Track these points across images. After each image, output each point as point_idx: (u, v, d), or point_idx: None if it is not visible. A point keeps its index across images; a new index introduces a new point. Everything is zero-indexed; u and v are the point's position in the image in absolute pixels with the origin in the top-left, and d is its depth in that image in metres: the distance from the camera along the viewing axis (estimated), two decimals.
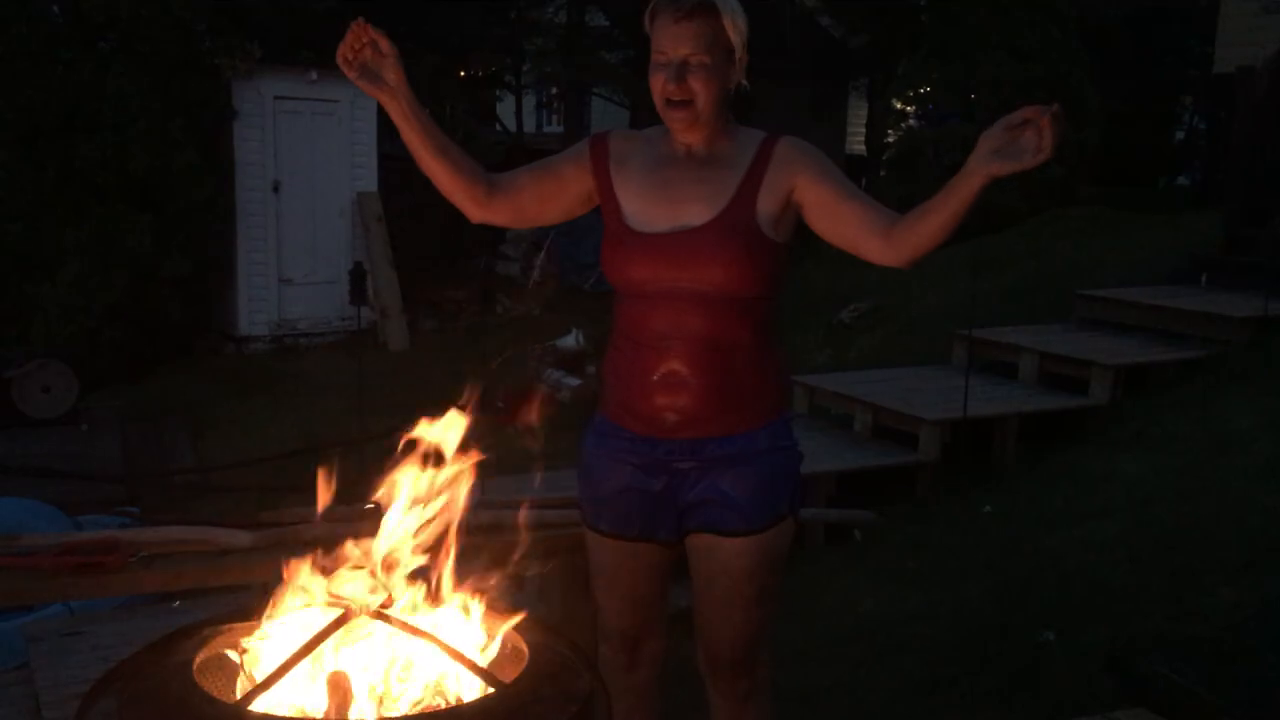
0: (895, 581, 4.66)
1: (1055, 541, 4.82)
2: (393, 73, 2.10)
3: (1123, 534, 4.75)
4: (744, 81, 2.21)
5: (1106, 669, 3.62)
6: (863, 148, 18.12)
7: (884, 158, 14.32)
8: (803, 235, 2.27)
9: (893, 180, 12.48)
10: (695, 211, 2.17)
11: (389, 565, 1.70)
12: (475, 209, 2.27)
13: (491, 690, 1.54)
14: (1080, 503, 5.19)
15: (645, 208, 2.20)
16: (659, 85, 2.15)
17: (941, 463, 5.86)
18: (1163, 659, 3.52)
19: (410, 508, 1.75)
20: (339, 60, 2.08)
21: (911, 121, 12.92)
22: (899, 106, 13.31)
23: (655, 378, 2.19)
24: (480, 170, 2.26)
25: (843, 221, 2.17)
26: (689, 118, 2.15)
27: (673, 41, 2.11)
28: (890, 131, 14.00)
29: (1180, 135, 17.44)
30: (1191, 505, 4.88)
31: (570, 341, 9.79)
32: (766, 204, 2.18)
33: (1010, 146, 1.90)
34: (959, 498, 5.59)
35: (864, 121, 18.35)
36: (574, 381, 8.90)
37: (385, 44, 2.08)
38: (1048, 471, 5.70)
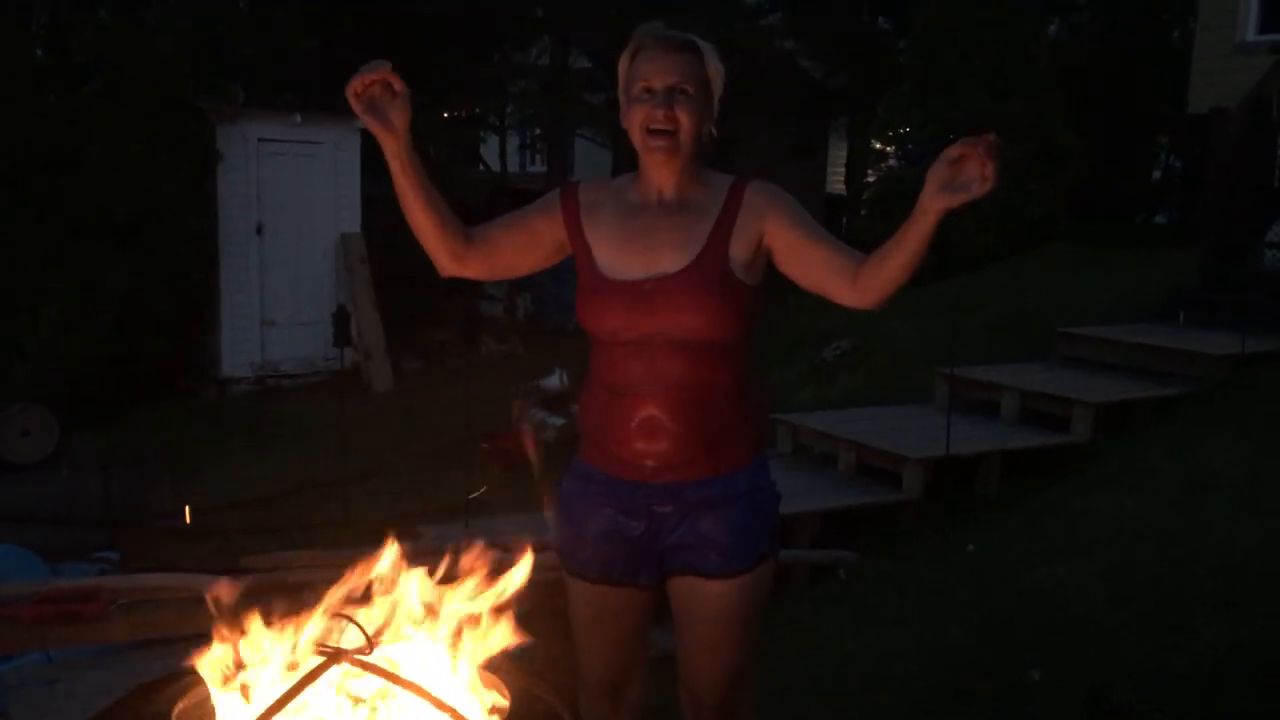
0: (879, 620, 4.66)
1: (1038, 579, 4.82)
2: (399, 114, 2.08)
3: (1105, 571, 4.76)
4: (713, 131, 2.24)
5: (1089, 707, 3.62)
6: (843, 187, 18.24)
7: (864, 197, 14.42)
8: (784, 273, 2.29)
9: (873, 220, 12.57)
10: (668, 259, 2.19)
11: (370, 610, 1.69)
12: (450, 261, 2.26)
13: None
14: (1063, 540, 5.21)
15: (618, 256, 2.22)
16: (641, 116, 2.16)
17: (924, 501, 5.86)
18: (1144, 696, 3.53)
19: (395, 558, 1.75)
20: (348, 93, 2.05)
21: (891, 162, 13.03)
22: (878, 147, 13.42)
23: (633, 424, 2.20)
24: (460, 224, 2.26)
25: (811, 266, 2.19)
26: (671, 147, 2.16)
27: (660, 72, 2.14)
28: (870, 171, 14.11)
29: (1157, 174, 17.63)
30: (1172, 542, 4.90)
31: (554, 381, 9.78)
32: (738, 249, 2.20)
33: (956, 180, 1.93)
34: (942, 536, 5.60)
35: (844, 161, 18.49)
36: (558, 421, 8.89)
37: (399, 84, 2.07)
38: (1030, 509, 5.72)
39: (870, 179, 14.04)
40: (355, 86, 2.05)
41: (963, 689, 3.90)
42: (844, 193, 18.02)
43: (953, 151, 1.94)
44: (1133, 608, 4.36)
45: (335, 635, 1.64)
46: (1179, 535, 4.96)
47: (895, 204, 11.69)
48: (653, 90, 2.15)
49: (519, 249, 2.32)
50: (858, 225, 14.42)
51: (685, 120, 2.15)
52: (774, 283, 2.29)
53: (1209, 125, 8.44)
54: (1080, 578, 4.75)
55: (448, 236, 2.23)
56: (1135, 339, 7.23)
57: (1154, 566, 4.69)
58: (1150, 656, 3.92)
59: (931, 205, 1.97)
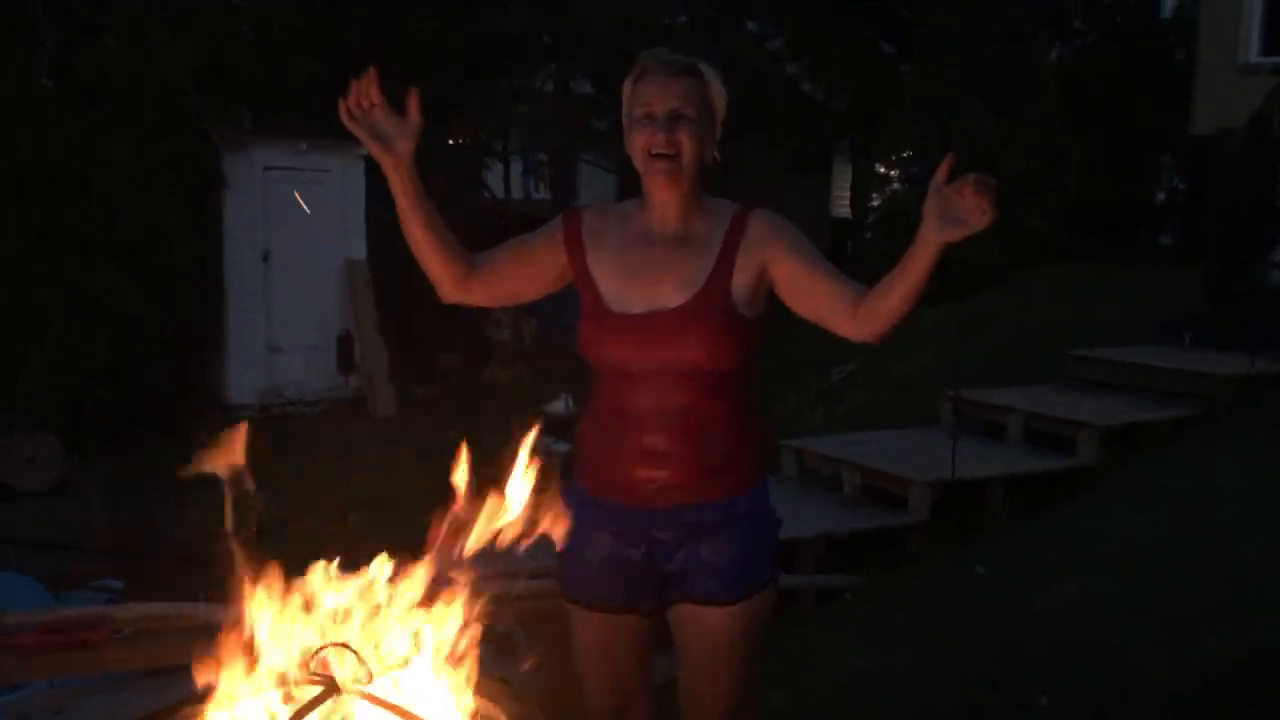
0: (886, 641, 4.64)
1: (1046, 599, 4.81)
2: (405, 141, 2.08)
3: (1114, 590, 4.75)
4: (716, 155, 2.24)
5: None
6: (848, 210, 18.26)
7: (869, 220, 14.44)
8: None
9: (878, 242, 12.59)
10: (671, 292, 2.18)
11: (369, 639, 1.69)
12: (452, 288, 2.26)
13: None
14: (1071, 560, 5.19)
15: (621, 288, 2.21)
16: (643, 140, 2.16)
17: (931, 523, 5.84)
18: (1154, 713, 3.51)
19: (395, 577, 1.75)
20: (342, 112, 2.05)
21: (895, 185, 13.05)
22: (882, 170, 13.45)
23: (636, 451, 2.20)
24: (462, 250, 2.26)
25: (813, 298, 2.19)
26: (673, 170, 2.16)
27: (662, 96, 2.15)
28: (874, 194, 14.13)
29: (1161, 196, 17.64)
30: (1180, 561, 4.88)
31: (560, 407, 9.78)
32: (741, 282, 2.20)
33: (951, 211, 1.94)
34: (949, 557, 5.58)
35: (848, 184, 18.51)
36: (564, 447, 8.87)
37: (415, 114, 2.07)
38: (1038, 530, 5.70)
39: (875, 202, 14.06)
40: (349, 106, 2.05)
41: (972, 708, 3.88)
42: (849, 215, 18.03)
43: (939, 178, 1.95)
44: (1141, 623, 4.34)
45: (336, 664, 1.64)
46: (1186, 553, 4.95)
47: (900, 226, 11.72)
48: (654, 115, 2.15)
49: (522, 276, 2.32)
50: (863, 248, 14.44)
51: (687, 144, 2.15)
52: (780, 306, 2.29)
53: (1213, 146, 8.46)
54: (1089, 596, 4.73)
55: (450, 262, 2.23)
56: (1142, 360, 7.22)
57: (1161, 582, 4.68)
58: (1161, 673, 3.90)
59: (931, 238, 1.97)
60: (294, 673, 1.64)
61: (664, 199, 2.22)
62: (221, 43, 10.17)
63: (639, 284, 2.20)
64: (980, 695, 3.99)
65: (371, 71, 2.04)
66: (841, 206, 19.23)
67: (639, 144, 2.18)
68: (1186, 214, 14.90)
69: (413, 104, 2.08)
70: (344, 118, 2.06)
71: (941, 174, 1.96)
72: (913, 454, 6.34)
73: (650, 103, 2.16)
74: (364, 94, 2.05)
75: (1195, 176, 12.42)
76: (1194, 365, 6.93)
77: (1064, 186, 11.88)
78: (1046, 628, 4.51)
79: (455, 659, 1.73)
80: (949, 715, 3.88)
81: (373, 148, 2.08)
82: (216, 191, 10.45)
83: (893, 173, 13.10)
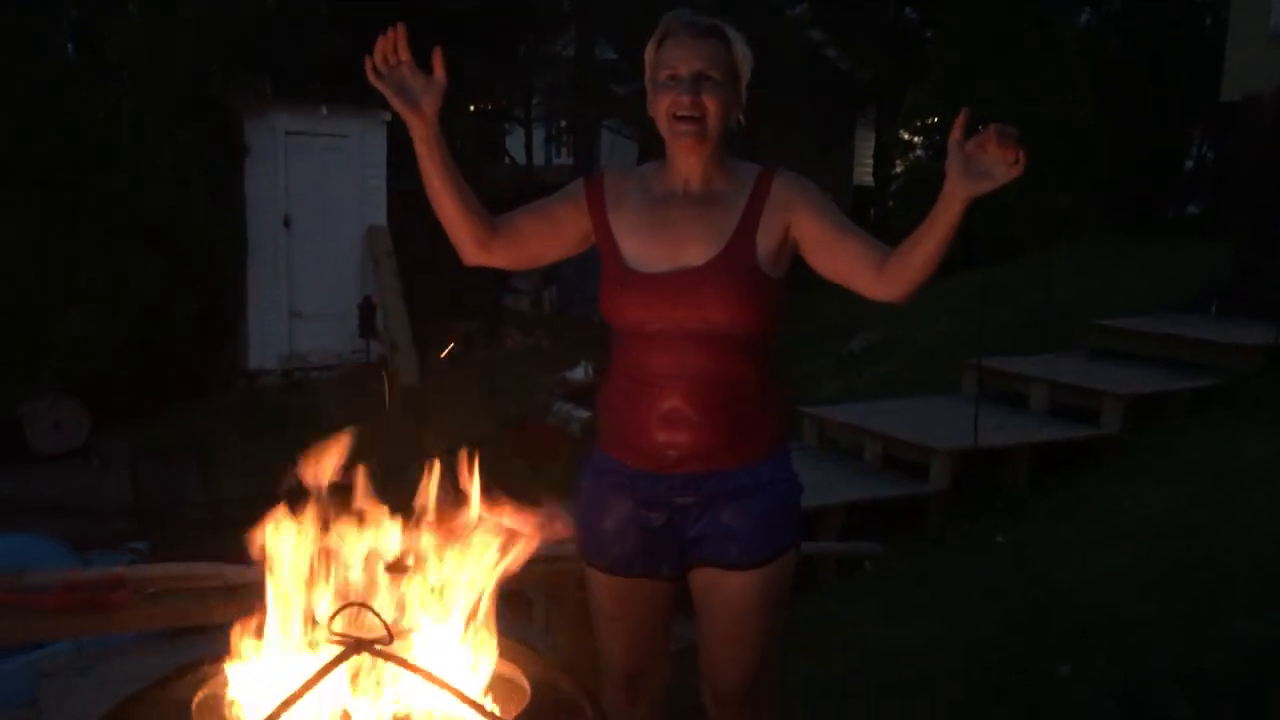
0: (906, 613, 4.63)
1: (1068, 572, 4.78)
2: (430, 99, 2.07)
3: (1136, 565, 4.71)
4: (740, 118, 2.22)
5: (1122, 704, 3.58)
6: (871, 178, 18.16)
7: (892, 188, 14.35)
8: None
9: (901, 210, 12.50)
10: (695, 251, 2.17)
11: (391, 600, 1.69)
12: (475, 250, 2.25)
13: None
14: (1093, 533, 5.16)
15: (644, 248, 2.20)
16: (667, 102, 2.14)
17: (952, 493, 5.83)
18: (1177, 693, 3.49)
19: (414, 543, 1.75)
20: (368, 69, 2.04)
21: (919, 153, 12.95)
22: (906, 137, 13.34)
23: (655, 415, 2.18)
24: (485, 212, 2.25)
25: (838, 258, 2.17)
26: (698, 132, 2.14)
27: (687, 58, 2.12)
28: (898, 162, 14.03)
29: (1189, 165, 17.45)
30: (1205, 535, 4.85)
31: (580, 374, 9.80)
32: (765, 241, 2.18)
33: (976, 165, 1.91)
34: (970, 528, 5.56)
35: (871, 153, 18.40)
36: (584, 414, 8.90)
37: (441, 73, 2.06)
38: (1060, 501, 5.67)
39: (898, 170, 13.97)
40: (376, 63, 2.03)
41: (993, 684, 3.87)
42: (872, 183, 17.93)
43: (956, 134, 1.93)
44: (1165, 601, 4.31)
45: (356, 625, 1.64)
46: (1211, 527, 4.91)
47: (923, 194, 11.61)
48: (679, 76, 2.13)
49: (544, 238, 2.30)
50: (886, 216, 14.36)
51: (711, 106, 2.13)
52: (802, 275, 2.27)
53: (1241, 113, 8.34)
54: (1111, 570, 4.70)
55: (473, 224, 2.22)
56: (1166, 330, 7.15)
57: (1186, 559, 4.64)
58: (1183, 651, 3.87)
59: (957, 193, 1.94)
60: (316, 632, 1.64)
61: (688, 161, 2.20)
62: (245, 16, 10.14)
63: (662, 243, 2.19)
64: (1000, 669, 3.98)
65: (400, 27, 2.03)
66: (865, 174, 19.13)
67: (663, 106, 2.16)
68: (1215, 182, 14.72)
69: (438, 63, 2.06)
70: (370, 75, 2.05)
71: (958, 130, 1.93)
72: (934, 423, 6.32)
73: (674, 65, 2.14)
74: (390, 50, 2.03)
75: (1224, 144, 12.27)
76: (1220, 336, 6.86)
77: (1092, 163, 11.77)
78: (1067, 602, 4.49)
79: (476, 620, 1.73)
80: (968, 688, 3.87)
81: (398, 106, 2.07)
82: (239, 162, 10.47)
83: (916, 139, 12.99)
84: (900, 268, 2.07)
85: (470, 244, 2.25)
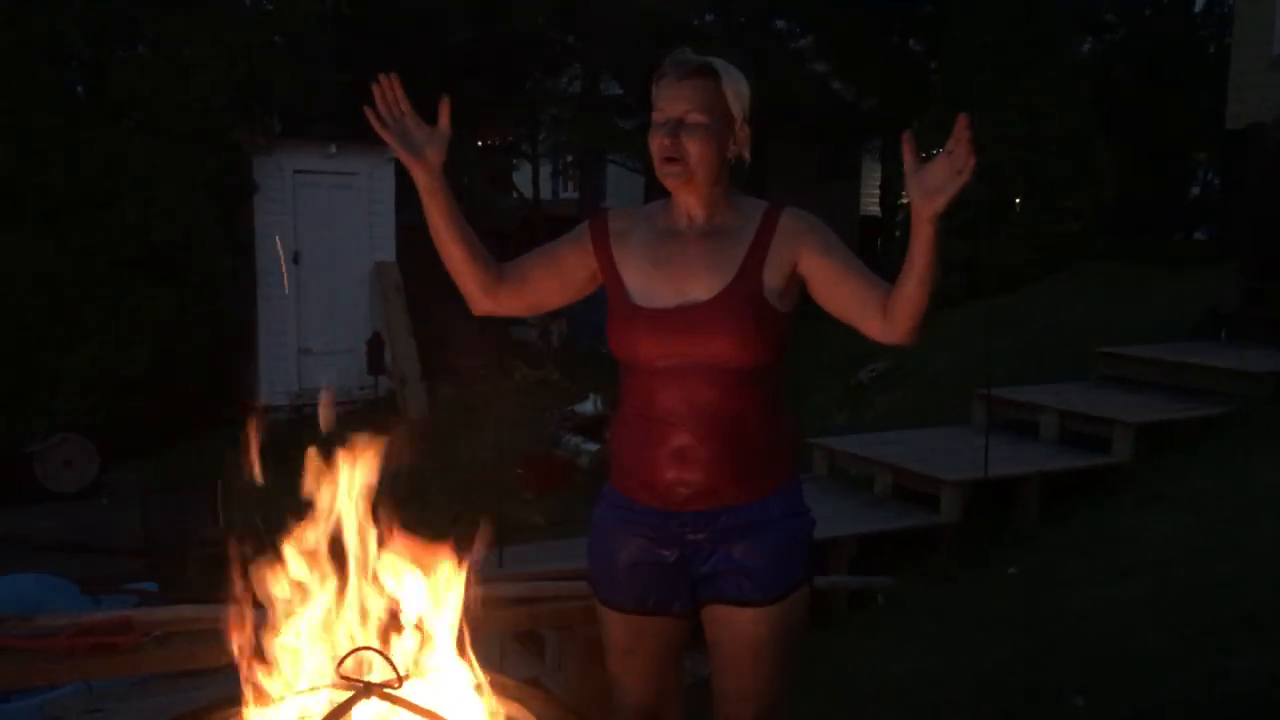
0: (918, 645, 4.60)
1: (1080, 602, 4.75)
2: (434, 149, 2.10)
3: (1149, 593, 4.68)
4: (745, 155, 2.22)
5: None
6: (878, 209, 18.21)
7: (898, 219, 14.39)
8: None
9: (907, 241, 12.50)
10: (701, 286, 2.17)
11: (398, 642, 1.69)
12: (483, 298, 2.27)
13: None
14: (1105, 562, 5.13)
15: (650, 283, 2.20)
16: (654, 144, 2.16)
17: (963, 524, 5.80)
18: None
19: (415, 582, 1.75)
20: (371, 118, 2.06)
21: None
22: None
23: (665, 451, 2.18)
24: (491, 260, 2.26)
25: (844, 300, 2.17)
26: (682, 173, 2.15)
27: (671, 100, 2.14)
28: (904, 192, 14.06)
29: (1196, 191, 17.48)
30: (1218, 563, 4.81)
31: (589, 406, 9.80)
32: (772, 276, 2.18)
33: (930, 183, 1.91)
34: (981, 559, 5.53)
35: (878, 183, 18.46)
36: (593, 446, 8.89)
37: (445, 122, 2.08)
38: (1071, 531, 5.64)
39: (904, 200, 13.99)
40: (379, 111, 2.06)
41: (1004, 714, 3.84)
42: (879, 214, 17.98)
43: (908, 163, 1.95)
44: (1178, 630, 4.28)
45: (365, 668, 1.63)
46: (1223, 555, 4.88)
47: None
48: (663, 120, 2.15)
49: (551, 282, 2.31)
50: (892, 246, 14.38)
51: (693, 149, 2.13)
52: (810, 305, 2.27)
53: (1247, 140, 8.35)
54: (1124, 600, 4.67)
55: (479, 271, 2.23)
56: (1175, 358, 7.13)
57: (1198, 588, 4.61)
58: (1196, 680, 3.84)
59: (922, 216, 1.95)
60: (325, 676, 1.64)
61: (687, 197, 2.22)
62: (253, 53, 10.24)
63: (668, 278, 2.19)
64: (1012, 699, 3.95)
65: (394, 78, 2.05)
66: (871, 204, 19.19)
67: (652, 148, 2.18)
68: (1221, 209, 14.74)
69: (443, 112, 2.08)
70: (374, 125, 2.07)
71: (908, 158, 1.94)
72: (944, 454, 6.30)
73: (662, 107, 2.16)
74: (390, 99, 2.06)
75: (1229, 171, 12.29)
76: (1230, 362, 6.84)
77: (1097, 191, 11.78)
78: (1078, 631, 4.46)
79: (483, 661, 1.73)
80: (980, 719, 3.84)
81: (403, 156, 2.09)
82: (248, 199, 10.53)
83: None
84: (897, 307, 2.07)
85: (477, 292, 2.26)
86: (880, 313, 2.11)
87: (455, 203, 2.18)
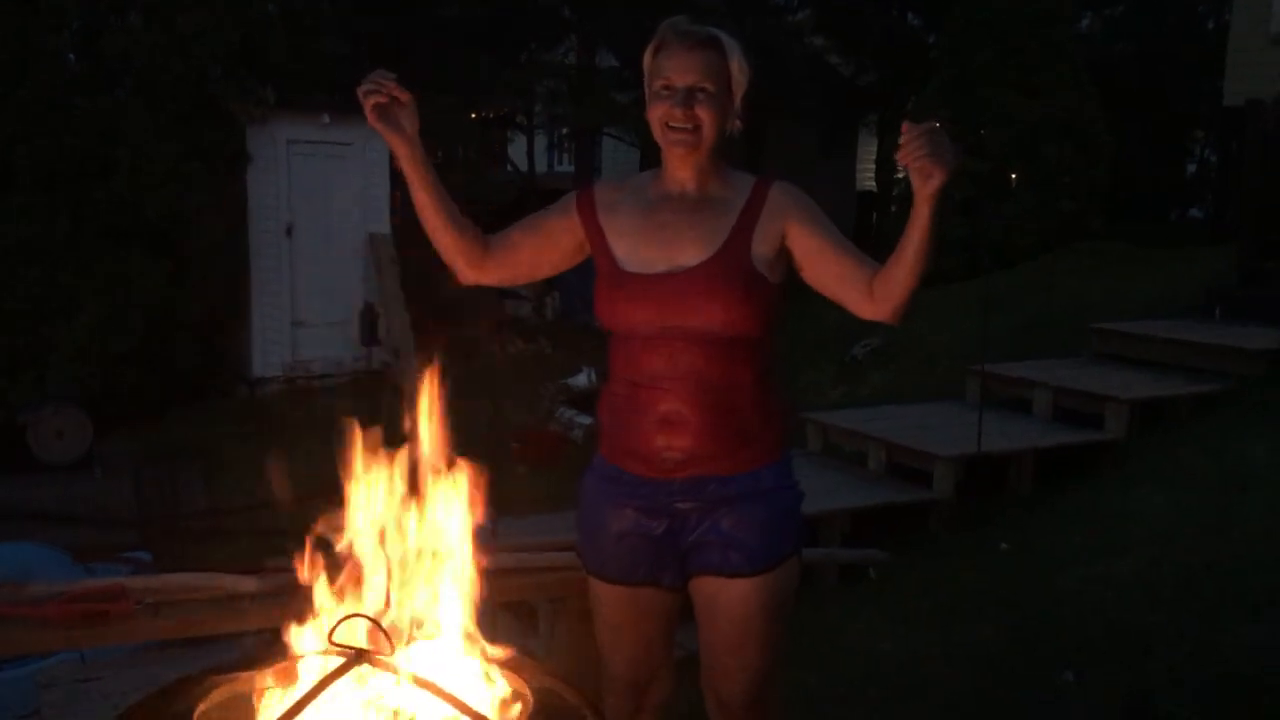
0: (910, 621, 4.62)
1: (1072, 579, 4.77)
2: (409, 121, 2.11)
3: (1141, 571, 4.70)
4: (738, 123, 2.22)
5: (1126, 713, 3.57)
6: (874, 184, 18.17)
7: (895, 194, 14.36)
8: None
9: (903, 216, 12.48)
10: (690, 252, 2.17)
11: (391, 611, 1.69)
12: (469, 269, 2.28)
13: None
14: (1097, 539, 5.15)
15: (638, 250, 2.20)
16: (661, 112, 2.15)
17: (956, 499, 5.81)
18: (1182, 701, 3.47)
19: (413, 551, 1.75)
20: (360, 94, 2.08)
21: None
22: None
23: (654, 418, 2.18)
24: (478, 230, 2.28)
25: (830, 275, 2.18)
26: (692, 142, 2.15)
27: (681, 70, 2.13)
28: (900, 168, 14.03)
29: (1192, 169, 17.45)
30: (1210, 541, 4.83)
31: (582, 380, 9.79)
32: (761, 246, 2.18)
33: (919, 162, 1.92)
34: (974, 535, 5.55)
35: (874, 158, 18.42)
36: (587, 420, 8.89)
37: (404, 95, 2.09)
38: (1064, 508, 5.66)
39: (901, 175, 13.96)
40: (361, 93, 2.07)
41: (995, 692, 3.86)
42: (875, 189, 17.94)
43: (902, 150, 1.95)
44: (1169, 608, 4.30)
45: (357, 636, 1.63)
46: (1215, 533, 4.89)
47: None
48: (673, 88, 2.14)
49: (537, 251, 2.32)
50: (889, 222, 14.36)
51: (705, 118, 2.14)
52: (799, 281, 2.27)
53: (1244, 117, 8.32)
54: (1115, 577, 4.69)
55: (463, 242, 2.24)
56: (1170, 335, 7.13)
57: (1190, 566, 4.62)
58: (1187, 658, 3.86)
59: (920, 194, 1.97)
60: (318, 643, 1.64)
61: (683, 166, 2.21)
62: (247, 22, 10.16)
63: (656, 245, 2.19)
64: (1004, 676, 3.96)
65: (392, 77, 2.07)
66: (867, 179, 19.15)
67: (657, 116, 2.17)
68: (1218, 186, 14.72)
69: (395, 89, 2.08)
70: (372, 119, 2.09)
71: (904, 144, 1.95)
72: (938, 429, 6.31)
73: (669, 77, 2.14)
74: (391, 93, 2.07)
75: (1227, 149, 12.27)
76: (1225, 340, 6.84)
77: (1096, 170, 11.76)
78: (1071, 608, 4.48)
79: (479, 631, 1.73)
80: (972, 695, 3.86)
81: (383, 131, 2.11)
82: (241, 169, 10.47)
83: None
84: (887, 285, 2.08)
85: (461, 262, 2.27)
86: (867, 290, 2.12)
87: (435, 173, 2.19)
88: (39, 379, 9.05)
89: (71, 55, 9.96)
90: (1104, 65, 13.32)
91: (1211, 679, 3.70)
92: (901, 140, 1.93)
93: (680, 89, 2.13)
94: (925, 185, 1.94)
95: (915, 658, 4.24)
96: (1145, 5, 16.64)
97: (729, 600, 2.22)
